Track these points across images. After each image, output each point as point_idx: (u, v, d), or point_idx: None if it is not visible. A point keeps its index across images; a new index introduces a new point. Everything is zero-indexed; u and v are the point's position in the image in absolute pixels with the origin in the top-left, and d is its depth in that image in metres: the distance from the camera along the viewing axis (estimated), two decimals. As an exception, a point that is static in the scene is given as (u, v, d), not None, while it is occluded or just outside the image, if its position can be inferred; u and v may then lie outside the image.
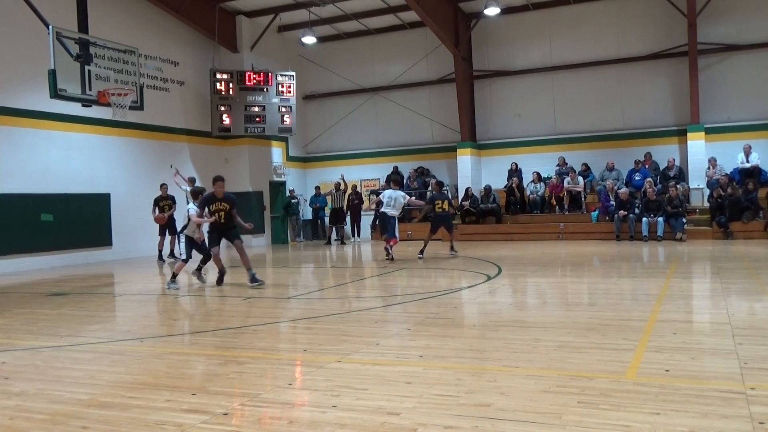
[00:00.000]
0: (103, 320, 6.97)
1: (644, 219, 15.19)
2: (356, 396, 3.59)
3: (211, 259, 9.08)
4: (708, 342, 4.73)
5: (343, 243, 18.83)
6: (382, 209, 12.45)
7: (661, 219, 15.00)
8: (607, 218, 16.11)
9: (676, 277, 8.50)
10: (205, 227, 9.25)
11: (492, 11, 17.53)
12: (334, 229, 19.09)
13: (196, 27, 17.79)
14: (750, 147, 16.09)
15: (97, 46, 11.33)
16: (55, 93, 10.51)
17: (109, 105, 11.34)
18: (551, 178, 17.98)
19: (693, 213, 16.03)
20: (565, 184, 17.40)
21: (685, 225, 15.08)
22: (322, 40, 20.23)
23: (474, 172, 19.30)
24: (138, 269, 12.83)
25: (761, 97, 16.65)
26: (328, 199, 19.72)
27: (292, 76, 19.16)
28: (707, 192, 16.20)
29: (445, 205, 12.49)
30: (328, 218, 19.68)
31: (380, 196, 12.82)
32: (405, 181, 18.67)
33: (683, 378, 3.73)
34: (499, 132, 19.76)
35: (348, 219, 19.32)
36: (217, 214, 8.78)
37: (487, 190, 18.35)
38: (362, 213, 19.42)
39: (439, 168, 20.07)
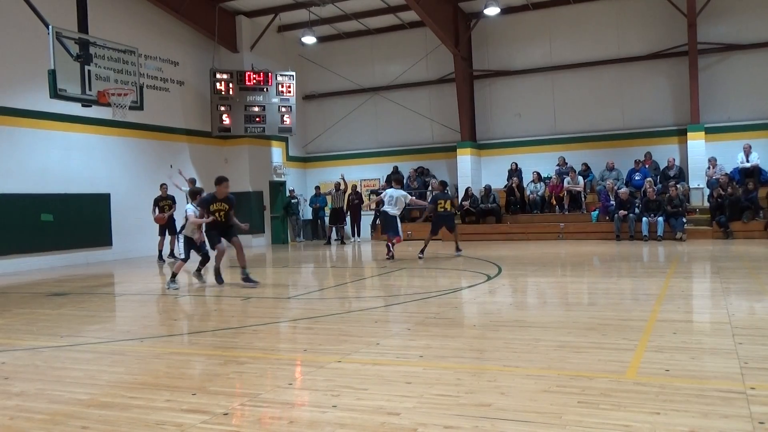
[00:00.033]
0: (103, 320, 6.96)
1: (644, 219, 15.19)
2: (356, 396, 3.59)
3: (215, 256, 9.07)
4: (708, 342, 4.73)
5: (343, 243, 18.83)
6: (384, 208, 12.45)
7: (661, 219, 15.00)
8: (607, 218, 16.11)
9: (676, 277, 8.50)
10: (203, 227, 9.26)
11: (492, 11, 17.54)
12: (334, 229, 19.09)
13: (196, 27, 17.79)
14: (750, 147, 16.10)
15: (97, 46, 11.34)
16: (55, 93, 10.51)
17: (109, 105, 11.34)
18: (551, 178, 17.98)
19: (693, 213, 16.03)
20: (565, 184, 17.40)
21: (685, 225, 15.08)
22: (322, 40, 20.24)
23: (474, 172, 19.30)
24: (138, 269, 12.83)
25: (761, 97, 16.65)
26: (328, 198, 19.72)
27: (292, 76, 19.16)
28: (707, 192, 16.21)
29: (448, 205, 12.49)
30: (328, 218, 19.69)
31: (382, 195, 12.83)
32: (405, 181, 18.66)
33: (683, 378, 3.73)
34: (499, 132, 19.76)
35: (348, 219, 19.33)
36: (217, 214, 8.79)
37: (487, 189, 18.35)
38: (362, 213, 19.43)
39: (439, 168, 20.08)
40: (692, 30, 16.80)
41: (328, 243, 18.71)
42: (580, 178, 17.56)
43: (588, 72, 18.52)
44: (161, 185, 14.18)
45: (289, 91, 19.00)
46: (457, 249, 12.73)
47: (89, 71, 11.02)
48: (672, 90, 17.74)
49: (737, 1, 16.92)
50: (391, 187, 12.95)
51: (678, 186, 15.66)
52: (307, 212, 21.20)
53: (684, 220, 15.08)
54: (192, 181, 13.90)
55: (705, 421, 3.00)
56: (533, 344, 4.73)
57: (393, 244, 12.32)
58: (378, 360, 4.42)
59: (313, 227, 21.03)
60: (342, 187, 19.38)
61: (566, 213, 17.22)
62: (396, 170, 19.47)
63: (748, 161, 16.04)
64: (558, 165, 18.24)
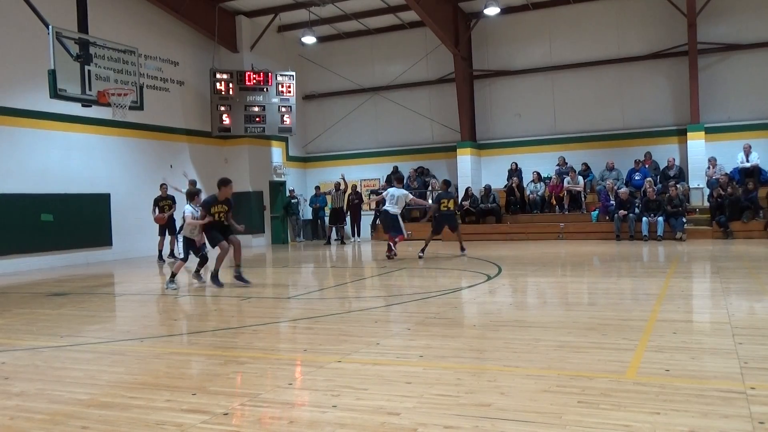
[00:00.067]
0: (103, 320, 6.97)
1: (644, 219, 15.19)
2: (356, 396, 3.59)
3: (216, 257, 9.05)
4: (708, 342, 4.73)
5: (343, 243, 18.83)
6: (385, 207, 12.45)
7: (661, 219, 15.00)
8: (607, 218, 16.11)
9: (676, 277, 8.50)
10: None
11: (492, 11, 17.53)
12: (334, 229, 19.09)
13: (196, 27, 17.79)
14: (750, 146, 16.10)
15: (97, 46, 11.34)
16: (55, 93, 10.51)
17: (109, 105, 11.34)
18: (551, 177, 17.98)
19: (693, 213, 16.03)
20: (565, 184, 17.40)
21: (685, 225, 15.08)
22: (321, 40, 20.24)
23: (474, 172, 19.30)
24: (138, 269, 12.83)
25: (761, 97, 16.65)
26: (328, 198, 19.72)
27: (292, 76, 19.16)
28: (707, 192, 16.21)
29: (451, 204, 12.52)
30: (328, 218, 19.69)
31: (384, 194, 12.84)
32: (405, 181, 18.66)
33: (683, 378, 3.73)
34: (499, 132, 19.76)
35: (348, 219, 19.33)
36: (217, 216, 8.81)
37: (487, 189, 18.35)
38: (362, 213, 19.43)
39: (439, 168, 20.08)
40: (692, 30, 16.80)
41: (328, 243, 18.71)
42: (580, 178, 17.56)
43: (588, 72, 18.52)
44: (161, 185, 14.18)
45: (289, 91, 19.00)
46: (462, 249, 12.72)
47: (89, 71, 11.02)
48: (672, 90, 17.74)
49: (737, 1, 16.92)
50: (392, 186, 12.95)
51: (678, 186, 15.66)
52: (307, 212, 21.20)
53: (684, 220, 15.08)
54: (193, 183, 13.89)
55: (705, 421, 3.00)
56: (533, 344, 4.73)
57: (395, 243, 12.32)
58: (378, 360, 4.42)
59: (313, 227, 21.03)
60: (342, 187, 19.38)
61: (566, 213, 17.22)
62: (396, 170, 19.48)
63: (748, 161, 16.04)
64: (558, 165, 18.24)
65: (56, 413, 3.50)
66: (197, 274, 9.42)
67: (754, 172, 15.83)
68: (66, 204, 14.09)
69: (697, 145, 16.98)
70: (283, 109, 18.91)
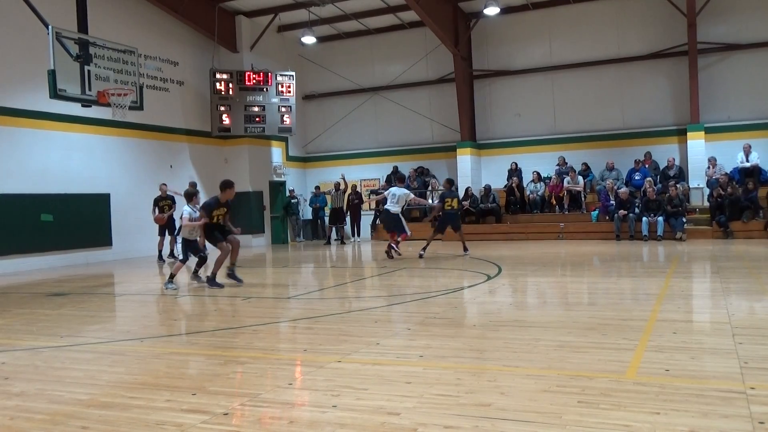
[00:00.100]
0: (103, 320, 6.96)
1: (644, 218, 15.19)
2: (356, 396, 3.59)
3: (216, 259, 9.06)
4: (708, 341, 4.73)
5: (343, 243, 18.83)
6: (386, 206, 12.45)
7: (661, 218, 15.00)
8: (607, 218, 16.11)
9: (676, 277, 8.50)
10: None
11: (492, 11, 17.53)
12: (333, 229, 19.09)
13: (196, 27, 17.79)
14: (750, 146, 16.10)
15: (97, 46, 11.33)
16: (55, 93, 10.51)
17: (108, 105, 11.34)
18: (551, 177, 17.98)
19: (693, 212, 16.03)
20: (565, 184, 17.40)
21: (685, 224, 15.08)
22: (321, 40, 20.24)
23: (474, 172, 19.30)
24: (138, 269, 12.83)
25: (761, 97, 16.65)
26: (328, 198, 19.72)
27: (292, 76, 19.15)
28: (707, 191, 16.21)
29: (455, 203, 12.53)
30: (328, 218, 19.69)
31: (386, 193, 12.84)
32: (405, 181, 18.66)
33: (683, 377, 3.73)
34: (499, 132, 19.76)
35: (348, 219, 19.33)
36: (217, 218, 8.81)
37: (487, 189, 18.35)
38: (362, 213, 19.43)
39: (439, 168, 20.08)
40: (692, 30, 16.80)
41: (328, 243, 18.71)
42: (580, 178, 17.56)
43: (588, 72, 18.52)
44: (161, 185, 14.18)
45: (289, 91, 19.00)
46: (465, 249, 12.72)
47: (89, 71, 11.01)
48: (672, 90, 17.74)
49: (737, 1, 16.92)
50: (393, 185, 12.95)
51: (678, 186, 15.66)
52: (307, 212, 21.20)
53: (684, 219, 15.08)
54: (193, 184, 13.86)
55: (705, 421, 3.00)
56: (533, 344, 4.73)
57: (398, 242, 12.32)
58: (378, 360, 4.42)
59: (313, 227, 21.03)
60: (342, 187, 19.38)
61: (566, 213, 17.22)
62: (396, 170, 19.48)
63: (747, 161, 16.04)
64: (558, 165, 18.24)
65: (56, 413, 3.50)
66: (195, 274, 9.42)
67: (754, 171, 15.84)
68: (66, 204, 14.09)
69: (697, 145, 16.98)
70: (283, 109, 18.91)
